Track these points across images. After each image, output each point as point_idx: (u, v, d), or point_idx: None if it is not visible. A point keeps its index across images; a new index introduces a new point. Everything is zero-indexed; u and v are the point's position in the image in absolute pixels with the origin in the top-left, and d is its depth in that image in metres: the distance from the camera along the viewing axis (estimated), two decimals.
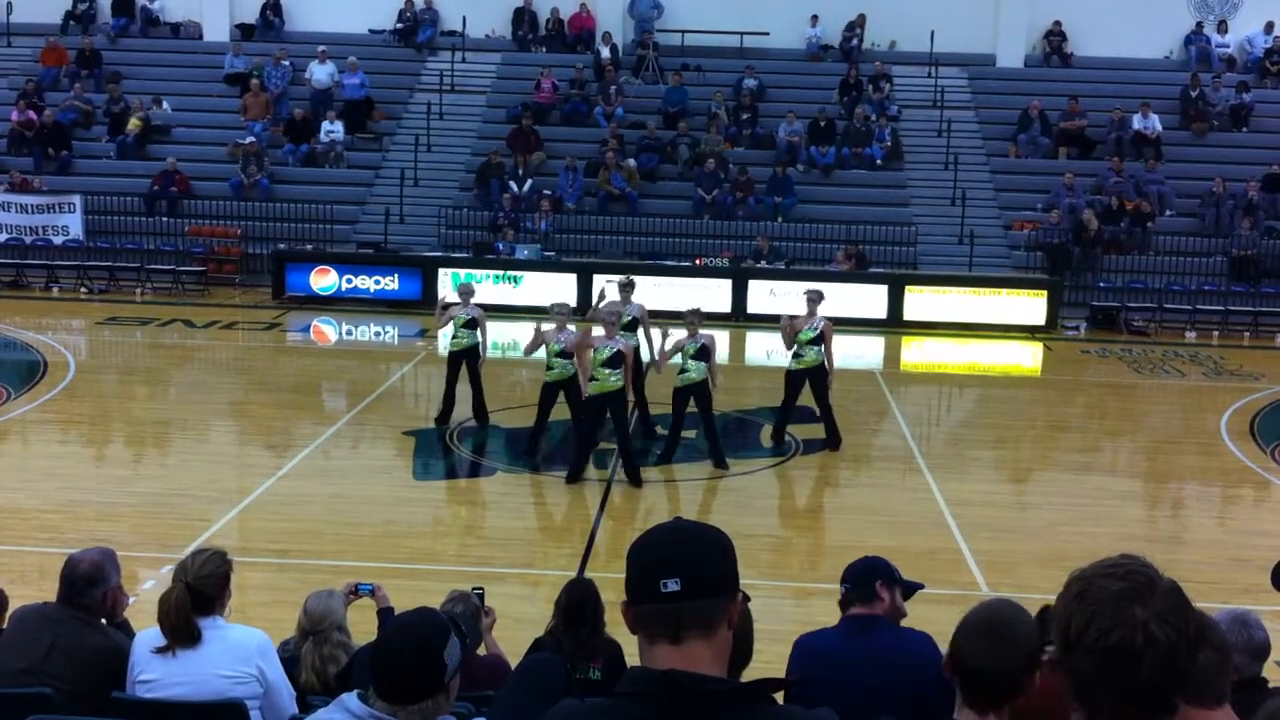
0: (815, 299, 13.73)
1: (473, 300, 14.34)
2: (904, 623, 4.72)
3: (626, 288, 14.37)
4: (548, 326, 13.04)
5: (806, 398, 13.82)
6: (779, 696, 2.47)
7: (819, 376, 13.67)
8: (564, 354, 12.83)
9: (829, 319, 13.81)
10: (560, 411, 13.19)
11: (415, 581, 9.32)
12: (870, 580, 4.64)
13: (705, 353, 12.81)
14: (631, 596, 2.29)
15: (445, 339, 15.32)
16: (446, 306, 14.89)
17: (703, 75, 27.10)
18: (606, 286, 14.66)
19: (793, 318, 13.80)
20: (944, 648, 4.85)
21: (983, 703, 2.94)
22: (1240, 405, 16.76)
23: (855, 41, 27.28)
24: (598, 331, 12.62)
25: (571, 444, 13.07)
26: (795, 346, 13.75)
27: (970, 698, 2.96)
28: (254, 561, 9.65)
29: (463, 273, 21.83)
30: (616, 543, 10.73)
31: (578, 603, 5.93)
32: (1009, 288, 22.06)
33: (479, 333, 14.10)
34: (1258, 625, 4.61)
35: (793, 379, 13.81)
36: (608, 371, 12.20)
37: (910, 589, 4.78)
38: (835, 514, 12.53)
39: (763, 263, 22.51)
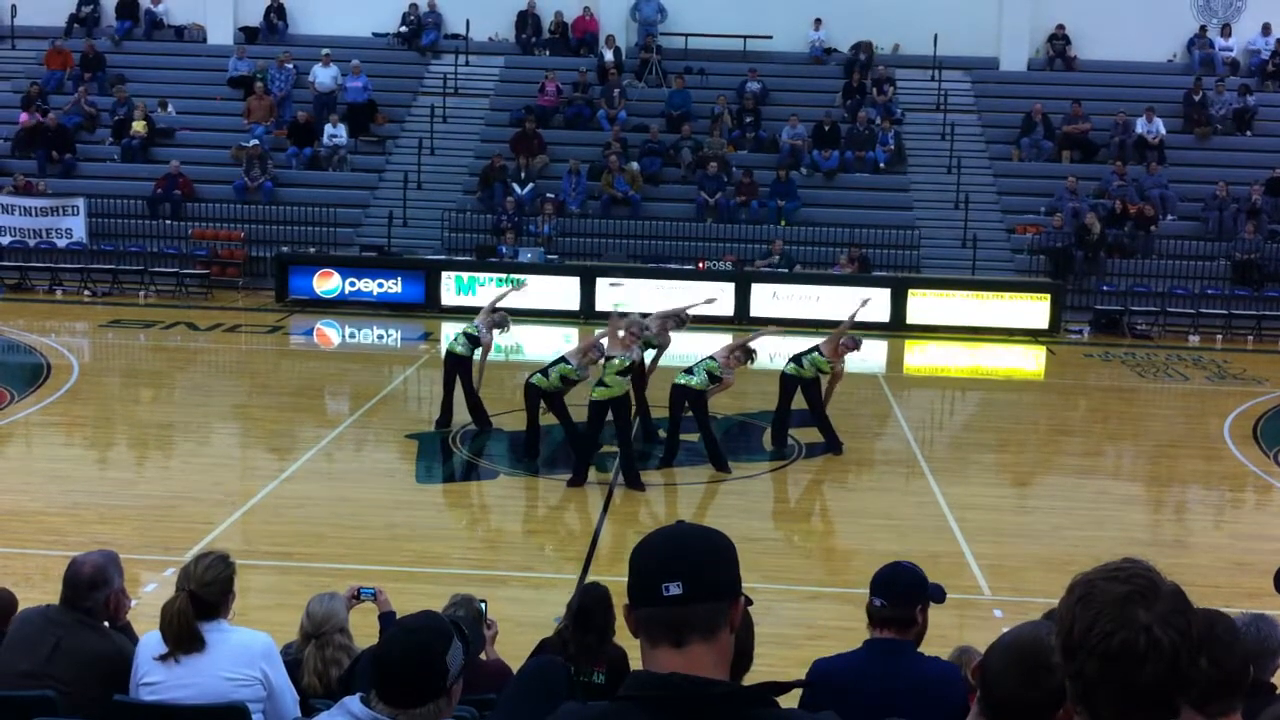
0: (853, 347, 13.89)
1: (497, 330, 14.15)
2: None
3: (681, 325, 14.37)
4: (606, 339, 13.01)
5: (802, 400, 13.86)
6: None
7: (811, 386, 13.72)
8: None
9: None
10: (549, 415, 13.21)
11: (418, 585, 9.33)
12: (911, 605, 4.31)
13: (718, 380, 12.92)
14: (633, 599, 2.29)
15: (445, 340, 15.31)
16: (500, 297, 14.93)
17: (706, 78, 27.12)
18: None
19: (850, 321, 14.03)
20: (944, 651, 4.84)
21: None
22: (1243, 409, 16.74)
23: (862, 58, 27.17)
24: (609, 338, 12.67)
25: (571, 447, 13.07)
26: (799, 356, 13.80)
27: (988, 712, 2.93)
28: (257, 564, 9.66)
29: (466, 276, 21.93)
30: (619, 546, 10.72)
31: (588, 607, 5.92)
32: (1012, 291, 22.06)
33: (477, 352, 13.99)
34: (1271, 623, 4.61)
35: (787, 383, 13.83)
36: (621, 380, 12.24)
37: (935, 598, 4.46)
38: (837, 518, 12.53)
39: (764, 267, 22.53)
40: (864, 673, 4.25)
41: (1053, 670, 2.93)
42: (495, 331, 14.11)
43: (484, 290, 21.67)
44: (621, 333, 12.56)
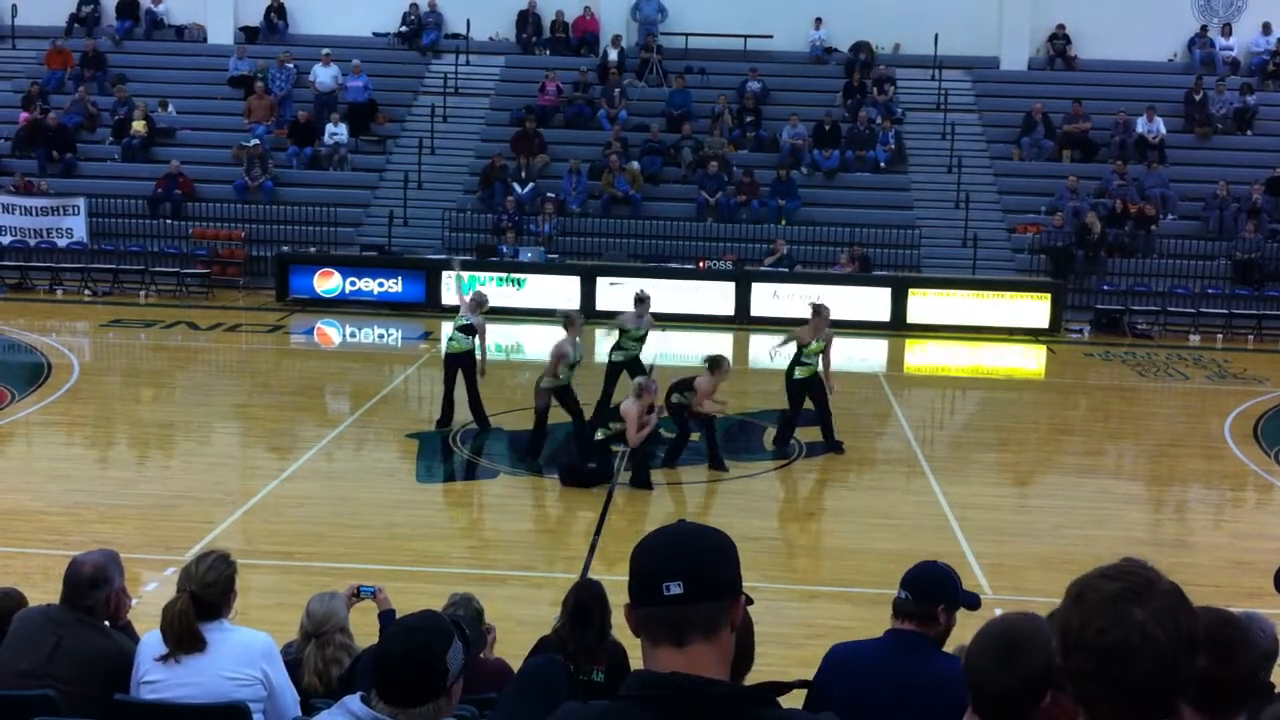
0: (825, 312, 13.80)
1: (479, 309, 14.25)
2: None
3: (642, 302, 14.37)
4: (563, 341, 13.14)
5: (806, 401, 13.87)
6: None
7: (817, 385, 13.74)
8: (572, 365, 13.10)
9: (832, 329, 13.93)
10: (556, 414, 13.26)
11: (418, 584, 9.34)
12: (934, 603, 4.34)
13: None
14: (634, 599, 2.29)
15: (443, 341, 15.34)
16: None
17: (706, 78, 27.11)
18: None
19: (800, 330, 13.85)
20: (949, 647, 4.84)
21: (986, 717, 2.90)
22: (1244, 409, 16.74)
23: (862, 59, 27.18)
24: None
25: (577, 442, 13.09)
26: (802, 356, 13.79)
27: (976, 708, 2.93)
28: (257, 564, 9.66)
29: (466, 276, 21.89)
30: (620, 545, 10.71)
31: (585, 604, 5.92)
32: (1012, 291, 22.06)
33: (475, 340, 14.00)
34: (1263, 620, 4.59)
35: (795, 388, 13.82)
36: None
37: (967, 604, 4.48)
38: (838, 517, 12.52)
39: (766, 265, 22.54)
40: (881, 661, 4.28)
41: (1027, 653, 2.94)
42: (481, 313, 14.18)
43: (484, 290, 21.61)
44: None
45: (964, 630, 5.62)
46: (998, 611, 9.70)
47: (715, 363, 13.07)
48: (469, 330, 14.00)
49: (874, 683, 4.18)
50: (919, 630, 4.33)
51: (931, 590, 4.37)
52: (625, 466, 12.62)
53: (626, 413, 12.28)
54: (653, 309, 15.04)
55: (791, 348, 13.88)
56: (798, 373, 13.80)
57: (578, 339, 13.23)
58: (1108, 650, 2.03)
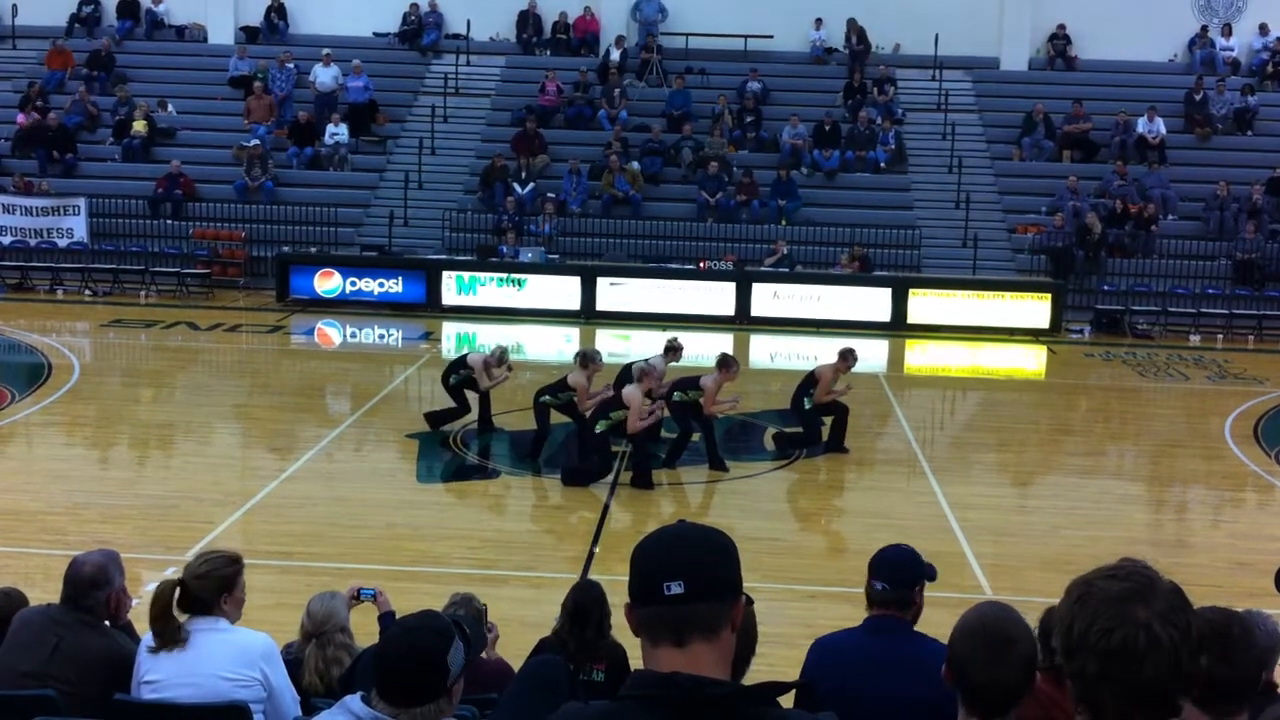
0: (853, 359, 13.96)
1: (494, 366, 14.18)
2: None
3: (673, 350, 14.11)
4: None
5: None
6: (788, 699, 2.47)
7: (831, 403, 13.83)
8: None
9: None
10: (557, 415, 13.30)
11: (418, 584, 9.34)
12: (910, 586, 4.47)
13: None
14: (635, 598, 2.29)
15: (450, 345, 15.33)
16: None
17: (706, 78, 27.12)
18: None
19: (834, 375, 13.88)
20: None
21: (984, 712, 2.92)
22: (1244, 409, 16.74)
23: (856, 41, 27.21)
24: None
25: (580, 441, 13.10)
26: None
27: (971, 707, 2.94)
28: (257, 564, 9.61)
29: (467, 276, 21.92)
30: (620, 545, 10.71)
31: (584, 605, 5.94)
32: (1013, 291, 22.06)
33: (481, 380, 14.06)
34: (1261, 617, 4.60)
35: (810, 414, 13.84)
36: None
37: (928, 576, 4.60)
38: (839, 517, 12.53)
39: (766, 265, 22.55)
40: (865, 649, 4.36)
41: (1017, 642, 2.97)
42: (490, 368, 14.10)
43: (484, 290, 21.72)
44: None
45: (927, 626, 5.63)
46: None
47: (724, 362, 13.08)
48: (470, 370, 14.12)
49: (862, 670, 4.26)
50: (897, 615, 4.43)
51: (907, 575, 4.50)
52: (626, 466, 12.63)
53: (629, 398, 12.29)
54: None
55: (842, 385, 13.93)
56: (808, 402, 13.83)
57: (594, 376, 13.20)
58: (1113, 651, 2.03)
